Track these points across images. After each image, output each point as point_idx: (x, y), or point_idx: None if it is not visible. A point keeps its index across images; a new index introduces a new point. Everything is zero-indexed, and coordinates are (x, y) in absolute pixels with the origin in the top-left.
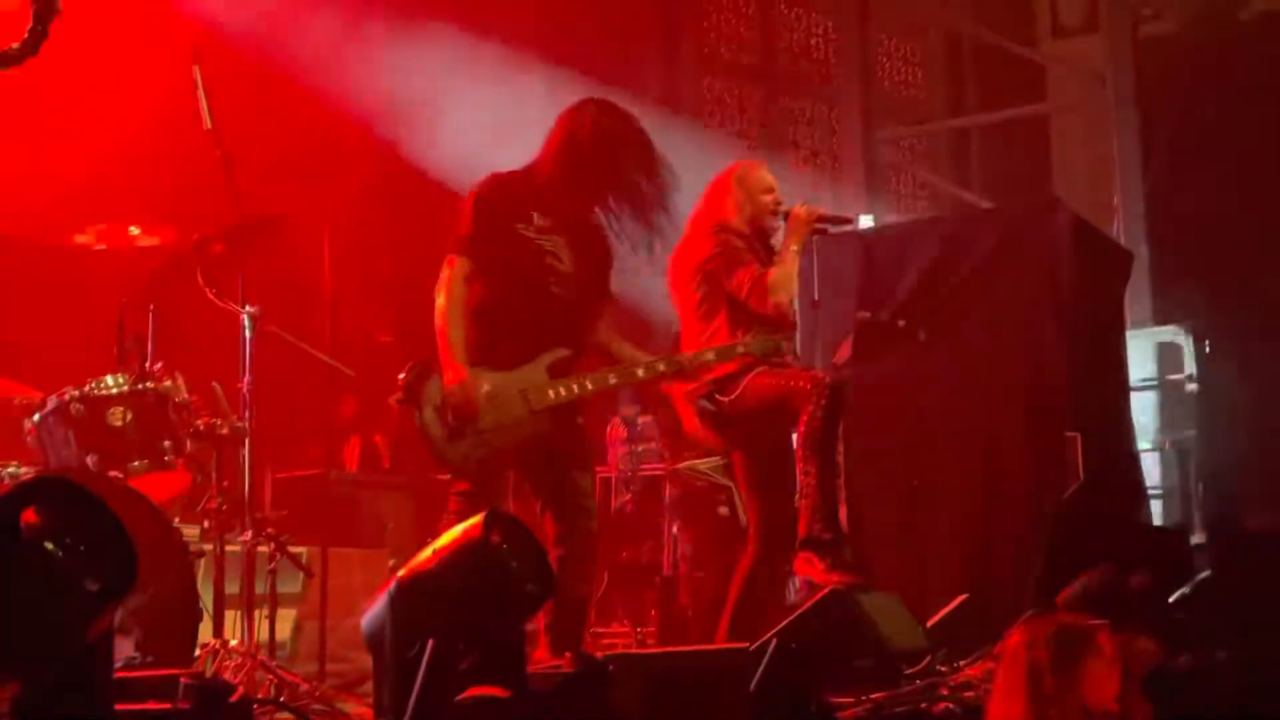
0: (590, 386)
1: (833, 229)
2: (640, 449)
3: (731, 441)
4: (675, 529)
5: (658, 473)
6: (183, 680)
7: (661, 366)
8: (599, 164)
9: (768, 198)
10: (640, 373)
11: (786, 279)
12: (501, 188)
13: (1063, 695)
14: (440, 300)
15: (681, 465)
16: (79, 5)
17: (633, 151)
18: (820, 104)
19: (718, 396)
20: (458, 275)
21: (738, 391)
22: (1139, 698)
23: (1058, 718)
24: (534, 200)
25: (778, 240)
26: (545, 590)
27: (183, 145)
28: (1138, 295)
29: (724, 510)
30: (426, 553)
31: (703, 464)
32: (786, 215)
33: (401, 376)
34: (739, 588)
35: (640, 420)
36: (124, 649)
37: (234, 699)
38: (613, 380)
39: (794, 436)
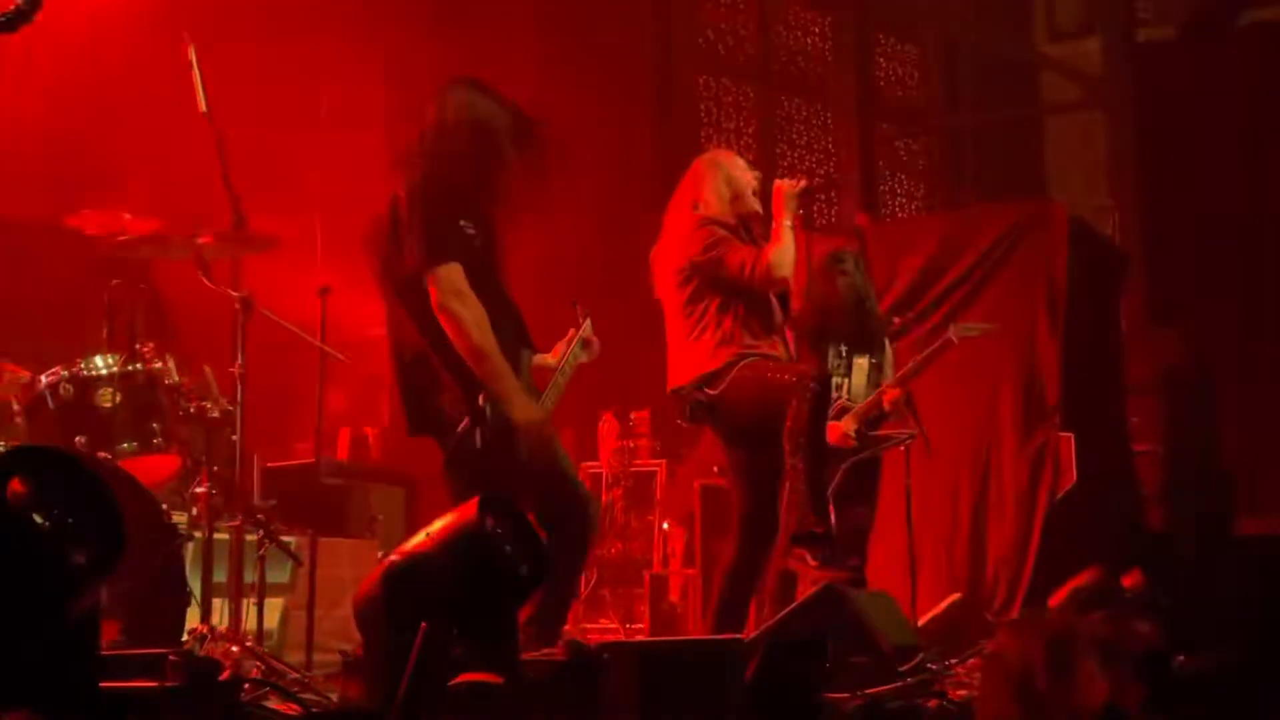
0: (560, 388)
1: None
2: (632, 445)
3: (720, 434)
4: (665, 525)
5: (648, 468)
6: (171, 658)
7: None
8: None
9: (746, 175)
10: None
11: (786, 254)
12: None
13: (1055, 695)
14: (465, 314)
15: None
16: None
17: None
18: (816, 103)
19: (706, 390)
20: (463, 281)
21: (724, 385)
22: (1131, 679)
23: (1050, 717)
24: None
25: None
26: (539, 576)
27: (176, 128)
28: (1133, 297)
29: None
30: (420, 536)
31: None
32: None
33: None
34: (722, 583)
35: (632, 416)
36: (110, 633)
37: (223, 677)
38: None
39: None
